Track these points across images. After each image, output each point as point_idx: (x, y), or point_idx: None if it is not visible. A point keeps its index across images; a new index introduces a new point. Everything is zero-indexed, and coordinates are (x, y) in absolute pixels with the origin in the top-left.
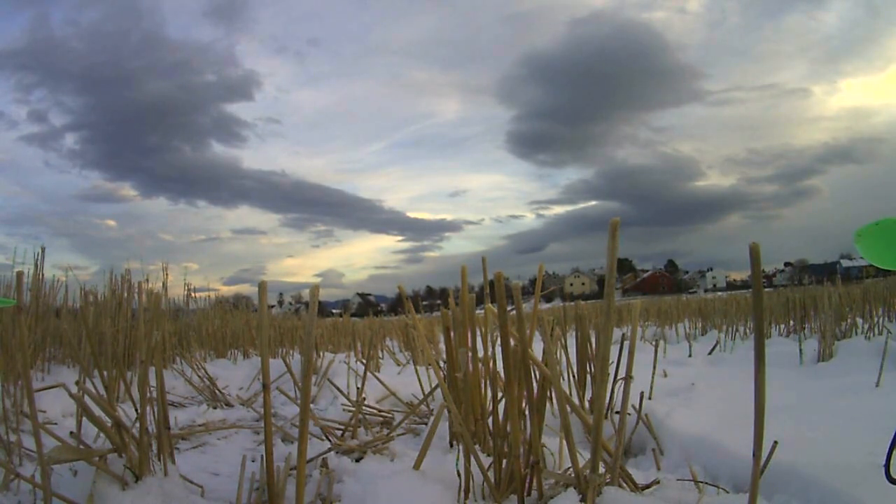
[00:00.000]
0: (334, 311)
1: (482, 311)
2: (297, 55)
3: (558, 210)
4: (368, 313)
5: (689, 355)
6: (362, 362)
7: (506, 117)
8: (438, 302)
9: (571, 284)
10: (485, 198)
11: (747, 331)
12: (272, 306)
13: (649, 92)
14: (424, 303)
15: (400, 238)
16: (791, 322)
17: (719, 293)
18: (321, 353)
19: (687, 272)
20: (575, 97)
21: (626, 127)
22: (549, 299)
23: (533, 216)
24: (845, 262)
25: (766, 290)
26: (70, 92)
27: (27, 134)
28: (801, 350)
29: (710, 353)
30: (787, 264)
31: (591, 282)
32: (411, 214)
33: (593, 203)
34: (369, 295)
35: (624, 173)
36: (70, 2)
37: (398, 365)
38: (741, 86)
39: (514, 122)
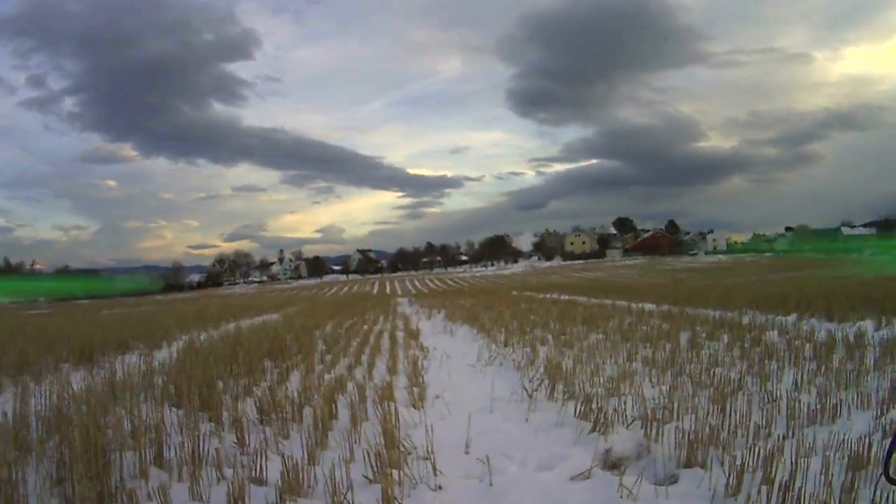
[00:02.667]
0: (335, 267)
1: (482, 269)
2: (296, 14)
3: (559, 168)
4: (369, 270)
5: None
6: None
7: (506, 75)
8: (438, 258)
9: (572, 243)
10: (485, 154)
11: None
12: (272, 263)
13: (651, 52)
14: (424, 259)
15: (400, 194)
16: None
17: (720, 256)
18: None
19: (688, 233)
20: (575, 56)
21: (627, 87)
22: (549, 257)
23: (533, 173)
24: (846, 230)
25: (767, 254)
26: (68, 55)
27: (26, 99)
28: None
29: None
30: (787, 228)
31: (591, 240)
32: (412, 171)
33: (594, 161)
34: (369, 251)
35: (625, 133)
36: None
37: None
38: (743, 49)
39: (514, 80)
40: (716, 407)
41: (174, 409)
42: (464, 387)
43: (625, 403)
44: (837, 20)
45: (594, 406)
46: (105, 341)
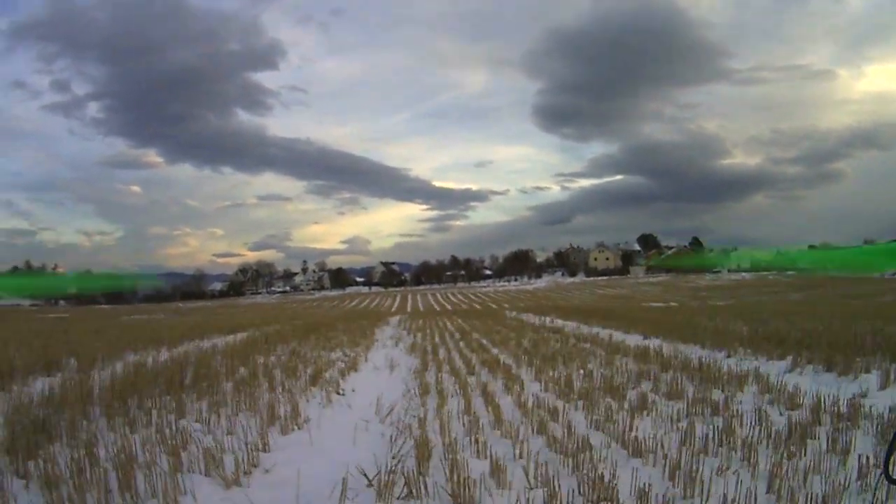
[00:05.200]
0: (358, 279)
1: (505, 284)
2: (322, 25)
3: (583, 183)
4: (392, 283)
5: None
6: None
7: (532, 90)
8: (462, 272)
9: (595, 259)
10: (511, 169)
11: None
12: (295, 274)
13: (675, 68)
14: (448, 273)
15: (426, 206)
16: None
17: (743, 274)
18: None
19: (712, 250)
20: (600, 72)
21: (652, 103)
22: (572, 273)
23: (558, 188)
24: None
25: (790, 272)
26: (92, 61)
27: (50, 103)
28: None
29: None
30: (810, 247)
31: (615, 257)
32: (437, 183)
33: (618, 177)
34: (393, 264)
35: (649, 149)
36: None
37: None
38: (767, 65)
39: (540, 94)
40: None
41: None
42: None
43: None
44: (861, 38)
45: None
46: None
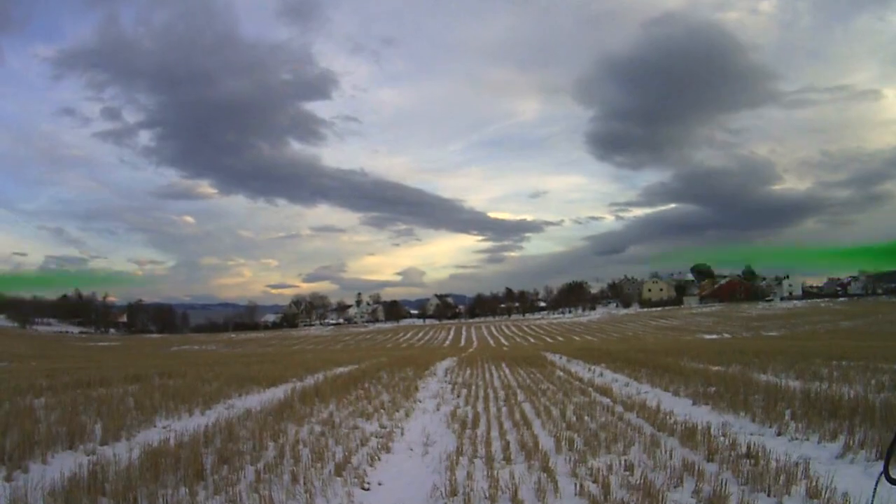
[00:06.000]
0: (412, 311)
1: (559, 316)
2: (374, 54)
3: (637, 212)
4: (446, 315)
5: None
6: None
7: (584, 118)
8: (516, 304)
9: (650, 290)
10: (565, 199)
11: None
12: (349, 306)
13: (724, 93)
14: (502, 305)
15: (480, 238)
16: None
17: (795, 302)
18: None
19: (764, 279)
20: (651, 98)
21: (703, 128)
22: (626, 304)
23: (612, 218)
24: None
25: (841, 298)
26: (143, 90)
27: (101, 131)
28: None
29: None
30: (861, 271)
31: (668, 287)
32: (492, 214)
33: (672, 206)
34: (447, 296)
35: (701, 175)
36: (140, 2)
37: None
38: (814, 87)
39: (592, 122)
40: None
41: None
42: None
43: None
44: None
45: None
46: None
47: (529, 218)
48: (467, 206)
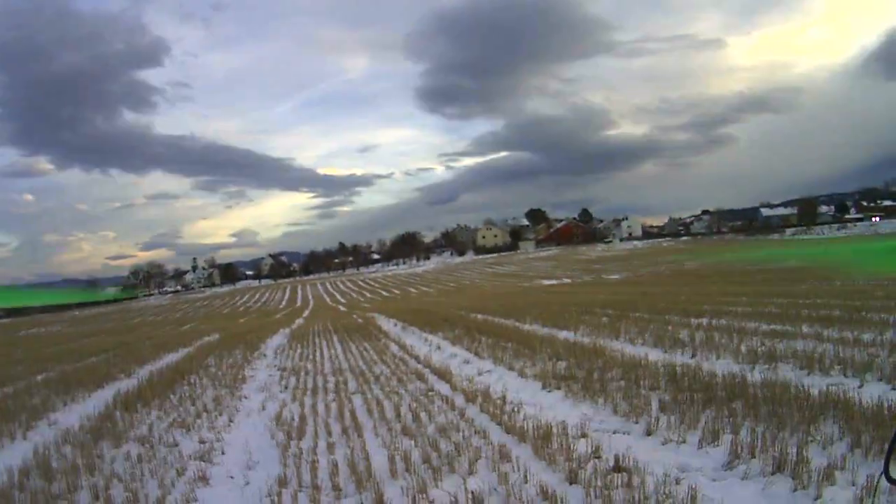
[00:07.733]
0: (248, 273)
1: (394, 268)
2: (204, 20)
3: (468, 162)
4: (281, 274)
5: None
6: None
7: (414, 72)
8: (350, 259)
9: (483, 237)
10: (395, 152)
11: None
12: (185, 272)
13: (558, 44)
14: (336, 261)
15: (312, 195)
16: None
17: (636, 242)
18: None
19: (602, 221)
20: (482, 51)
21: (535, 79)
22: (461, 252)
23: (443, 168)
24: (765, 211)
25: (684, 238)
26: None
27: None
28: None
29: None
30: (704, 212)
31: (503, 233)
32: (322, 171)
33: (503, 154)
34: (281, 255)
35: (533, 124)
36: None
37: None
38: (653, 36)
39: (422, 76)
40: None
41: None
42: None
43: None
44: (750, 5)
45: None
46: None
47: (359, 172)
48: (297, 164)
